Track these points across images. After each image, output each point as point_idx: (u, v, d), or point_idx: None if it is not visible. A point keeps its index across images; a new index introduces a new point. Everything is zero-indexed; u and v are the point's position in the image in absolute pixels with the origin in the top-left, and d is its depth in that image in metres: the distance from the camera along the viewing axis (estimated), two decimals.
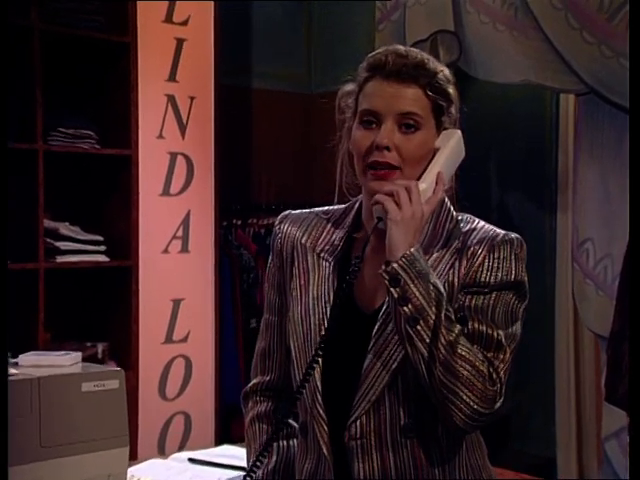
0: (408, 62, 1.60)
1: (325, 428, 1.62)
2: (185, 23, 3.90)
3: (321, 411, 1.62)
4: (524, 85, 3.89)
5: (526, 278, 1.64)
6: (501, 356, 1.56)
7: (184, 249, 3.88)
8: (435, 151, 1.64)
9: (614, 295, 3.62)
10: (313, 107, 4.62)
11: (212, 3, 3.95)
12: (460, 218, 1.68)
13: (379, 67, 1.61)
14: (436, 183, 1.62)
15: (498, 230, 1.65)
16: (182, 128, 3.88)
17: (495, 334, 1.56)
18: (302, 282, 1.69)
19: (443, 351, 1.50)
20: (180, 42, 3.88)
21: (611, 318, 3.59)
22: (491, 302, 1.59)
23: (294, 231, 1.75)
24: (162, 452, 3.79)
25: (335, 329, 1.60)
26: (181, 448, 3.81)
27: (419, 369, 1.52)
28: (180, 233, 3.86)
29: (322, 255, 1.70)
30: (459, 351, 1.51)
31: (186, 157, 3.90)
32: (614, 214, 3.68)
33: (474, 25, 4.00)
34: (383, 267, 1.52)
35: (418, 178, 1.62)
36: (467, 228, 1.66)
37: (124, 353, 3.74)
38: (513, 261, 1.61)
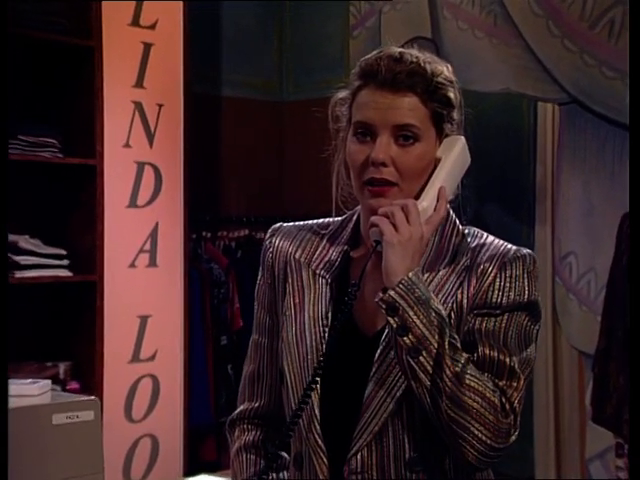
0: (402, 68, 1.49)
1: (324, 460, 1.50)
2: (153, 27, 3.81)
3: (319, 441, 1.50)
4: (501, 94, 3.85)
5: (540, 297, 1.55)
6: (514, 384, 1.46)
7: (152, 263, 3.79)
8: (437, 161, 1.53)
9: (597, 310, 3.58)
10: (285, 116, 4.58)
11: (181, 7, 3.86)
12: (467, 232, 1.58)
13: (371, 74, 1.50)
14: (438, 199, 1.51)
15: (509, 246, 1.55)
16: (150, 137, 3.79)
17: (508, 360, 1.46)
18: (296, 300, 1.58)
19: (449, 383, 1.40)
20: (147, 47, 3.79)
21: (595, 334, 3.54)
22: (503, 325, 1.49)
23: (286, 245, 1.64)
24: (127, 477, 3.70)
25: (333, 352, 1.50)
26: (148, 473, 3.73)
27: (424, 403, 1.42)
28: (148, 246, 3.77)
29: (318, 272, 1.58)
30: (467, 382, 1.41)
31: (154, 167, 3.80)
32: (597, 227, 3.65)
33: (452, 32, 3.96)
34: (380, 294, 1.42)
35: (419, 193, 1.52)
36: (475, 243, 1.55)
37: (88, 373, 3.64)
38: (526, 280, 1.51)
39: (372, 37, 4.16)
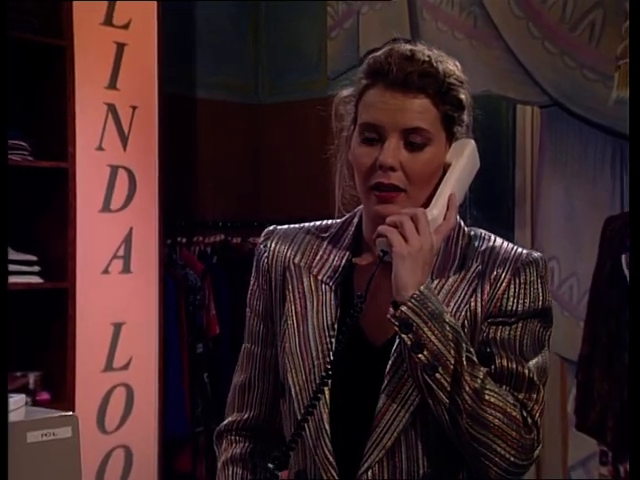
0: (414, 68, 1.43)
1: (335, 477, 1.44)
2: (126, 27, 3.72)
3: (330, 457, 1.44)
4: (481, 96, 3.79)
5: (552, 302, 1.50)
6: (534, 396, 1.42)
7: (126, 269, 3.69)
8: (446, 166, 1.48)
9: (580, 316, 3.54)
10: (261, 118, 4.51)
11: (155, 6, 3.77)
12: (473, 234, 1.53)
13: (381, 73, 1.44)
14: (448, 207, 1.46)
15: (519, 249, 1.51)
16: (123, 139, 3.70)
17: (526, 371, 1.42)
18: (298, 308, 1.50)
19: (469, 400, 1.35)
20: (120, 47, 3.70)
21: (577, 340, 3.50)
22: (518, 333, 1.44)
23: (284, 249, 1.56)
24: None
25: (341, 363, 1.43)
26: None
27: (443, 421, 1.37)
28: (121, 252, 3.68)
29: (320, 278, 1.51)
30: (487, 398, 1.36)
31: (128, 170, 3.71)
32: (579, 231, 3.61)
33: (431, 33, 3.90)
34: (391, 310, 1.37)
35: (428, 199, 1.46)
36: (484, 247, 1.51)
37: (59, 383, 3.54)
38: (540, 285, 1.47)
39: (350, 38, 4.10)
